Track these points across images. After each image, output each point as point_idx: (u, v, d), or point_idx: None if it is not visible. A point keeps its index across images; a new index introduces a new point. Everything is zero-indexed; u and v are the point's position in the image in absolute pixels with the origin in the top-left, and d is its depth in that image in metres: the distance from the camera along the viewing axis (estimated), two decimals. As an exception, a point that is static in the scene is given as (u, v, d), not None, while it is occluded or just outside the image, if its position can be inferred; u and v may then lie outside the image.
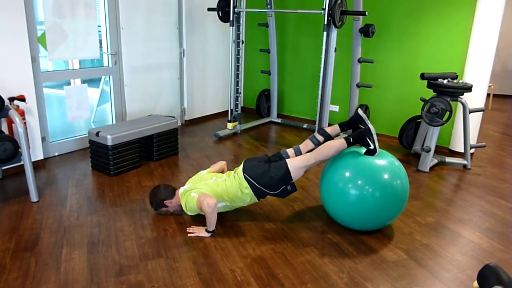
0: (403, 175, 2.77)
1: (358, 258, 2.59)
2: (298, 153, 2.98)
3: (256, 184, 2.80)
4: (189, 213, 2.90)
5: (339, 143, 2.79)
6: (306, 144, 3.02)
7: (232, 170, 3.04)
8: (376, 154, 2.75)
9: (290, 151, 3.00)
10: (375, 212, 2.70)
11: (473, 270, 2.51)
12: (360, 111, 2.92)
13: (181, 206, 2.95)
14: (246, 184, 2.81)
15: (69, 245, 2.62)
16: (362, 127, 2.88)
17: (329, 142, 2.86)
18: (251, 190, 2.82)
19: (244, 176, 2.82)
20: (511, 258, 2.66)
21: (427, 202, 3.45)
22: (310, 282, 2.33)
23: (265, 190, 2.82)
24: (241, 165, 2.92)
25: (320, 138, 3.01)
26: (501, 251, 2.73)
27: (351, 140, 2.78)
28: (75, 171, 3.84)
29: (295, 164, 2.80)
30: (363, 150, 2.81)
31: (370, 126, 2.77)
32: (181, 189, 2.98)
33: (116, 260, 2.48)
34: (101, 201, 3.25)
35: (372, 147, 2.73)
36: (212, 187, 2.87)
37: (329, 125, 4.48)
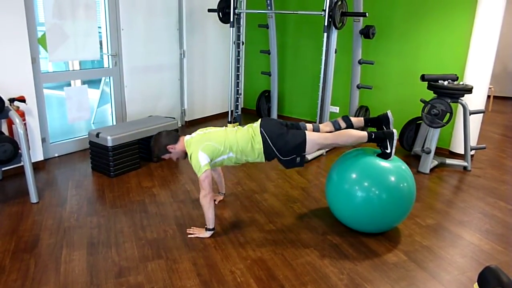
0: (410, 178, 2.77)
1: (358, 259, 2.59)
2: (316, 130, 2.94)
3: (270, 143, 2.74)
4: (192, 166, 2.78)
5: (361, 134, 2.77)
6: (327, 125, 2.99)
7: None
8: (390, 159, 2.74)
9: (309, 126, 2.96)
10: (381, 214, 2.70)
11: (473, 272, 2.50)
12: (389, 113, 2.92)
13: (185, 154, 2.85)
14: (259, 139, 2.75)
15: (69, 246, 2.62)
16: (385, 129, 2.88)
17: (351, 130, 2.84)
18: (262, 146, 2.75)
19: (261, 131, 2.76)
20: (512, 260, 2.66)
21: (428, 203, 3.45)
22: (310, 284, 2.33)
23: (276, 152, 2.77)
24: (258, 121, 2.85)
25: (343, 124, 2.98)
26: (502, 253, 2.73)
27: (373, 137, 2.77)
28: (75, 172, 3.84)
29: (313, 137, 2.77)
30: (375, 153, 2.81)
31: (394, 131, 2.77)
32: (188, 136, 2.86)
33: (115, 261, 2.48)
34: (101, 202, 3.25)
35: (388, 151, 2.74)
36: (221, 135, 2.79)
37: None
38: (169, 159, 2.96)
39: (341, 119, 3.01)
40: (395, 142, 2.74)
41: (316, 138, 2.78)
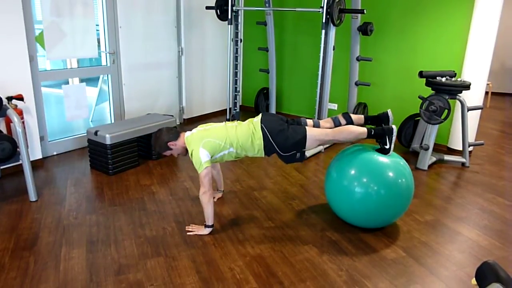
0: (408, 174, 2.78)
1: (357, 256, 2.60)
2: (316, 126, 2.95)
3: (270, 139, 2.76)
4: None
5: (361, 130, 2.78)
6: (327, 121, 3.00)
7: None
8: (389, 154, 2.77)
9: (309, 121, 2.96)
10: (380, 210, 2.71)
11: (471, 267, 2.51)
12: (389, 112, 2.94)
13: (186, 150, 2.86)
14: (260, 134, 2.76)
15: (68, 244, 2.62)
16: (384, 125, 2.89)
17: (351, 126, 2.85)
18: (262, 142, 2.77)
19: (261, 126, 2.77)
20: (510, 255, 2.67)
21: (426, 200, 3.46)
22: (309, 280, 2.34)
23: (276, 147, 2.78)
24: (259, 116, 2.86)
25: (343, 121, 2.99)
26: (499, 249, 2.74)
27: (372, 133, 2.78)
28: (74, 170, 3.84)
29: (313, 133, 2.78)
30: (373, 149, 2.82)
31: (394, 127, 2.79)
32: (188, 133, 2.87)
33: (115, 259, 2.48)
34: (100, 200, 3.25)
35: (387, 146, 2.76)
36: (222, 131, 2.80)
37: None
38: (170, 155, 2.96)
39: (342, 116, 3.01)
40: (394, 138, 2.76)
41: (316, 134, 2.79)
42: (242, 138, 2.78)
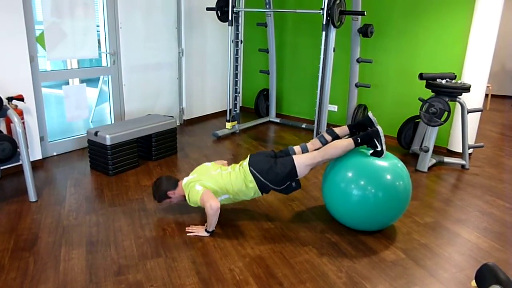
0: (406, 176, 2.78)
1: (356, 257, 2.60)
2: (305, 150, 2.97)
3: (262, 179, 2.79)
4: (192, 205, 2.89)
5: (346, 143, 2.79)
6: (314, 143, 3.02)
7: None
8: (383, 156, 2.76)
9: (297, 148, 2.99)
10: (377, 213, 2.71)
11: (471, 269, 2.52)
12: (370, 114, 2.94)
13: (184, 197, 2.94)
14: (251, 178, 2.80)
15: (68, 245, 2.62)
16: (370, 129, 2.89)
17: (336, 142, 2.86)
18: (255, 184, 2.81)
19: (250, 169, 2.81)
20: (509, 258, 2.67)
21: (426, 202, 3.46)
22: (308, 281, 2.34)
23: (270, 185, 2.82)
24: (247, 159, 2.91)
25: (328, 137, 3.01)
26: (499, 251, 2.74)
27: (359, 141, 2.78)
28: (74, 171, 3.84)
29: (302, 161, 2.79)
30: (369, 151, 2.82)
31: (379, 128, 2.78)
32: (185, 180, 2.97)
33: (114, 259, 2.48)
34: (99, 201, 3.25)
35: (379, 148, 2.75)
36: (216, 179, 2.86)
37: (328, 125, 4.49)
38: (170, 203, 3.08)
39: (326, 132, 3.05)
40: (383, 138, 2.75)
41: (305, 161, 2.81)
42: (237, 185, 2.84)
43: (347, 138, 2.87)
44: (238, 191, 2.85)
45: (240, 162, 2.96)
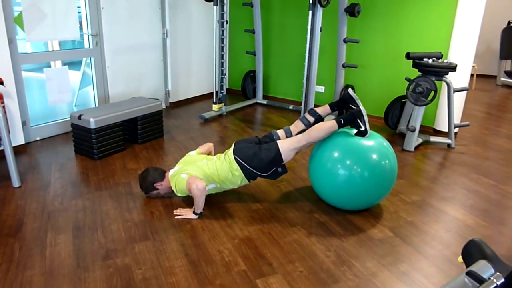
0: (392, 155, 2.79)
1: (344, 236, 2.62)
2: (288, 134, 2.97)
3: (247, 166, 2.79)
4: (179, 195, 2.89)
5: (330, 124, 2.78)
6: (297, 125, 3.01)
7: (220, 152, 3.01)
8: (367, 135, 2.76)
9: (280, 132, 2.99)
10: (363, 192, 2.72)
11: (457, 246, 2.55)
12: (350, 91, 2.91)
13: (171, 188, 2.93)
14: (236, 166, 2.79)
15: (54, 230, 2.58)
16: (353, 107, 2.88)
17: (320, 124, 2.85)
18: (241, 172, 2.81)
19: (235, 158, 2.80)
20: (494, 234, 2.72)
21: (412, 180, 3.49)
22: (297, 261, 2.35)
23: (256, 172, 2.82)
24: (232, 147, 2.89)
25: (311, 118, 3.00)
26: (485, 228, 2.79)
27: (342, 122, 2.78)
28: (58, 155, 3.77)
29: (286, 145, 2.79)
30: (353, 131, 2.81)
31: (362, 108, 2.78)
32: (171, 171, 2.96)
33: (102, 243, 2.46)
34: (85, 185, 3.21)
35: (363, 128, 2.75)
36: (203, 168, 2.84)
37: (315, 106, 4.47)
38: (157, 194, 3.05)
39: (308, 113, 3.03)
40: (366, 118, 2.75)
41: (289, 145, 2.80)
42: (223, 173, 2.82)
43: (330, 117, 2.85)
44: (224, 179, 2.83)
45: (225, 151, 2.95)
